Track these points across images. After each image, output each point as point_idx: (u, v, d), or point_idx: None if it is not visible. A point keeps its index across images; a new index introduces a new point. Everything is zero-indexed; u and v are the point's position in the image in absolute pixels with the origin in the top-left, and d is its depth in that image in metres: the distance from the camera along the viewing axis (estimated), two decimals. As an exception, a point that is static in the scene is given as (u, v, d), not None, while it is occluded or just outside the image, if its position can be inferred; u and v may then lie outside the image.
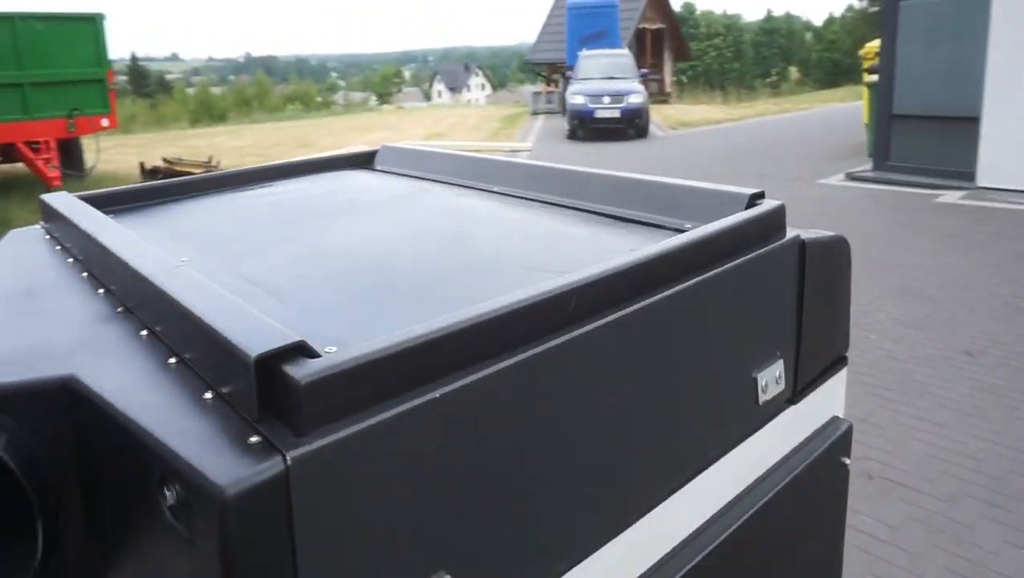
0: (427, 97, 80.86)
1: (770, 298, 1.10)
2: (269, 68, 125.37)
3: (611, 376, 0.82)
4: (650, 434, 0.89)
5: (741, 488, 1.09)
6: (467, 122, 19.43)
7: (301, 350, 0.58)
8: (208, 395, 0.62)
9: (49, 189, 8.46)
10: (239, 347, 0.57)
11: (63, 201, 1.17)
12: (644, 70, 16.99)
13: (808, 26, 65.52)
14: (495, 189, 1.37)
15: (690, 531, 0.99)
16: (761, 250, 1.05)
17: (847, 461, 1.31)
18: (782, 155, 11.51)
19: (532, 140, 14.84)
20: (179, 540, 0.56)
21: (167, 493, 0.56)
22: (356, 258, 1.04)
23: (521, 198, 1.31)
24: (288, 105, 38.69)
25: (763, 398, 1.09)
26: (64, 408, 0.65)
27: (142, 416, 0.59)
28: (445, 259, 1.03)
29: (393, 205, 1.33)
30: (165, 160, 10.01)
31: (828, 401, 1.29)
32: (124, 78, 55.70)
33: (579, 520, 0.80)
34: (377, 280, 0.94)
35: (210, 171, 2.01)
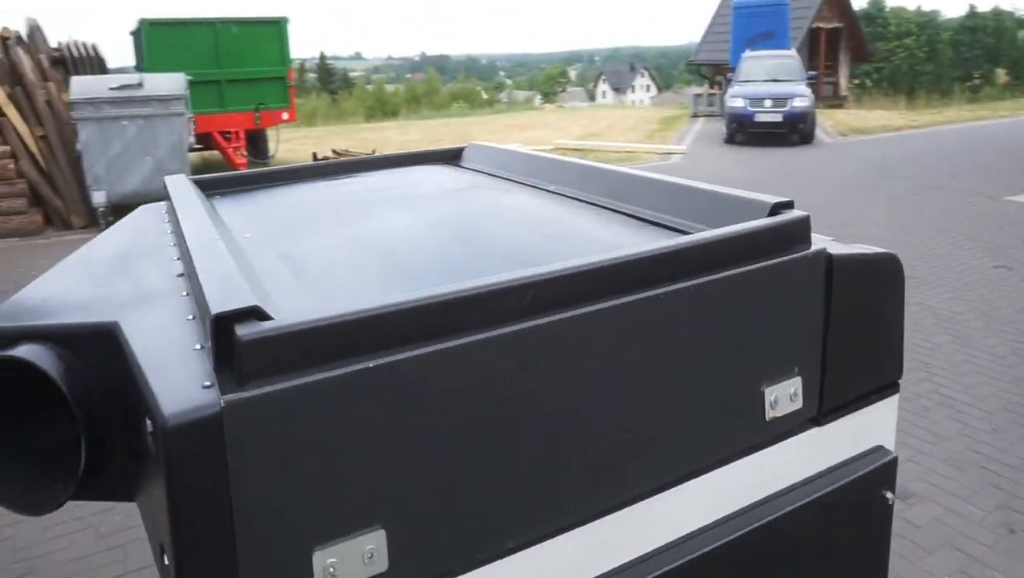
0: (591, 97, 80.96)
1: (787, 311, 1.07)
2: (441, 67, 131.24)
3: (576, 366, 0.86)
4: (621, 426, 0.91)
5: (743, 504, 1.07)
6: (625, 123, 19.31)
7: (255, 313, 0.71)
8: (197, 346, 0.77)
9: (235, 174, 9.53)
10: (208, 308, 0.71)
11: (177, 182, 1.40)
12: (813, 72, 16.05)
13: (1021, 23, 58.51)
14: (548, 188, 1.46)
15: (669, 539, 0.99)
16: (776, 260, 1.02)
17: (890, 496, 1.22)
18: (965, 167, 10.46)
19: (688, 143, 14.52)
20: (154, 461, 0.71)
21: (148, 423, 0.71)
22: (381, 243, 1.17)
23: (564, 196, 1.39)
24: (454, 103, 40.38)
25: (771, 414, 1.06)
26: (109, 349, 0.83)
27: (145, 361, 0.75)
28: (456, 248, 1.13)
29: (446, 198, 1.45)
30: (334, 151, 10.91)
31: (869, 428, 1.23)
32: (313, 75, 60.58)
33: (530, 501, 0.85)
34: (387, 263, 1.07)
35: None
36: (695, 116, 19.60)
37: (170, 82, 7.97)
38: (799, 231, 1.07)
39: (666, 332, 0.93)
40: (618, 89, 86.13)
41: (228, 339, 0.70)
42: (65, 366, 0.81)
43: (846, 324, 1.12)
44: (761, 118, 13.29)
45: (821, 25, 23.64)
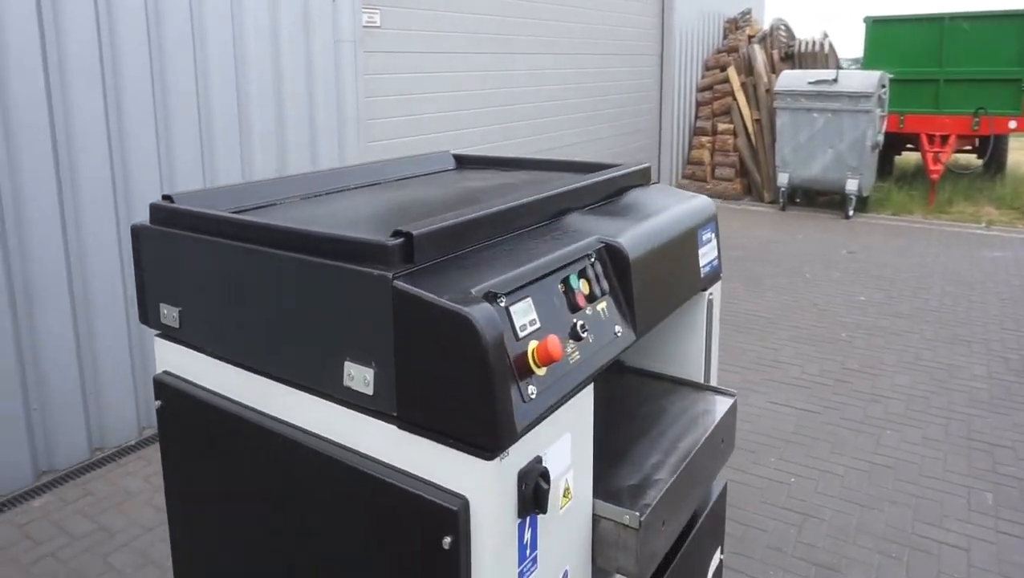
0: None
1: (366, 318, 1.21)
2: None
3: None
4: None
5: (316, 429, 1.36)
6: None
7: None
8: None
9: (930, 180, 9.16)
10: None
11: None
12: None
13: None
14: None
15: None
16: (357, 268, 1.23)
17: (447, 541, 1.15)
18: None
19: None
20: None
21: None
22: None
23: None
24: None
25: (349, 385, 1.27)
26: None
27: None
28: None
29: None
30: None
31: (451, 471, 1.18)
32: None
33: None
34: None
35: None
36: None
37: (863, 80, 8.22)
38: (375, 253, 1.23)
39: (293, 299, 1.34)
40: None
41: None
42: None
43: (413, 357, 1.17)
44: None
45: None
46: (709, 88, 10.29)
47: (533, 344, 1.20)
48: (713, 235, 1.91)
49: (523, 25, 6.68)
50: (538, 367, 1.20)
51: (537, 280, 1.29)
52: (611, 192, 1.84)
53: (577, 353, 1.31)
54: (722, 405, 1.85)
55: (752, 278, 6.41)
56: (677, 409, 1.85)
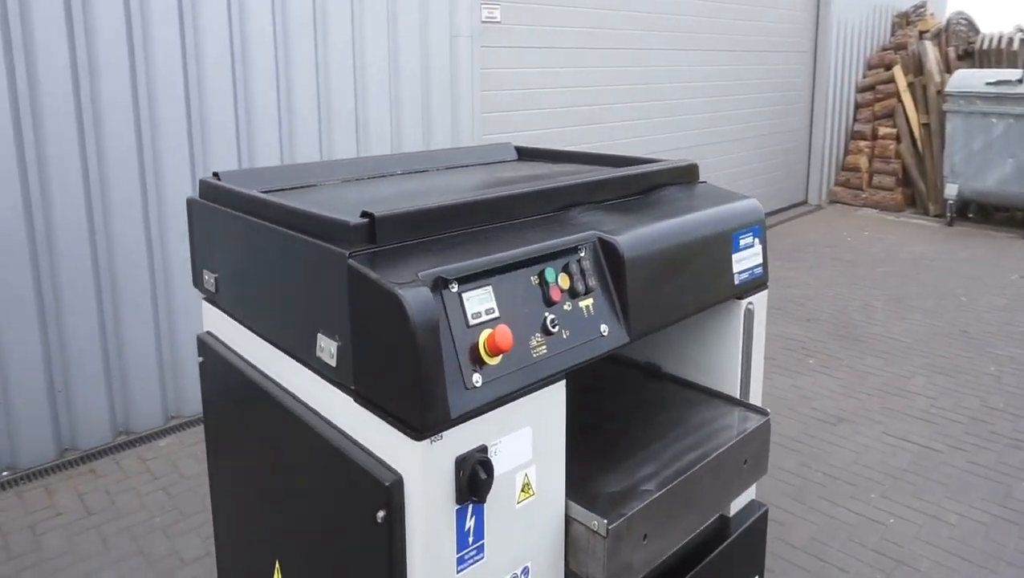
0: None
1: (331, 294, 1.24)
2: None
3: None
4: None
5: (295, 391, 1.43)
6: None
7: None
8: None
9: None
10: None
11: None
12: None
13: None
14: None
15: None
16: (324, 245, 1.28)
17: (381, 516, 1.17)
18: None
19: None
20: None
21: None
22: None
23: None
24: None
25: (318, 353, 1.31)
26: None
27: None
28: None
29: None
30: None
31: (392, 449, 1.19)
32: None
33: None
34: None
35: None
36: None
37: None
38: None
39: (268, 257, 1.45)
40: None
41: None
42: None
43: (362, 333, 1.19)
44: None
45: None
46: (871, 88, 9.44)
47: (486, 333, 1.18)
48: (756, 240, 1.72)
49: (657, 20, 6.46)
50: (490, 356, 1.18)
51: (505, 270, 1.26)
52: (640, 188, 1.72)
53: (544, 348, 1.27)
54: (750, 424, 1.67)
55: (895, 297, 5.81)
56: (698, 421, 1.70)
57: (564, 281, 1.33)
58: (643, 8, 6.29)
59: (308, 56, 3.96)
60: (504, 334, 1.16)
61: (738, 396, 1.79)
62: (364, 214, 1.25)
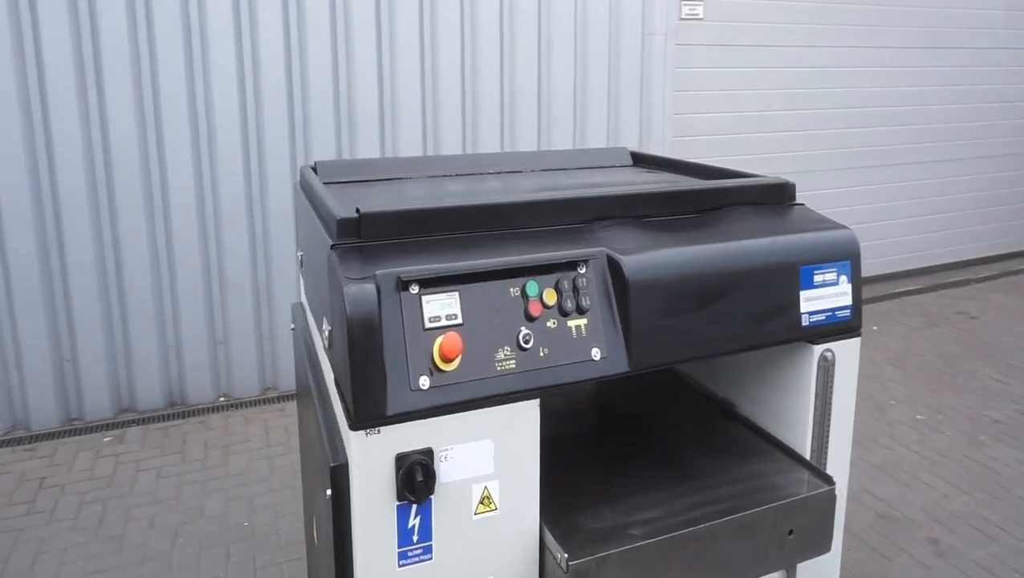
0: None
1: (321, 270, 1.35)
2: None
3: None
4: None
5: None
6: None
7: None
8: None
9: None
10: None
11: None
12: None
13: None
14: None
15: None
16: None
17: (328, 493, 1.21)
18: None
19: None
20: None
21: None
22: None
23: None
24: None
25: (324, 335, 1.35)
26: None
27: None
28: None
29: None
30: None
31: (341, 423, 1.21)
32: None
33: None
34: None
35: None
36: None
37: None
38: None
39: None
40: None
41: None
42: None
43: (335, 320, 1.21)
44: None
45: None
46: None
47: (441, 338, 1.18)
48: (843, 277, 1.48)
49: (888, 14, 5.68)
50: (444, 362, 1.18)
51: (479, 279, 1.23)
52: (701, 205, 1.55)
53: (513, 362, 1.22)
54: (804, 489, 1.45)
55: None
56: (743, 473, 1.50)
57: (550, 297, 1.25)
58: (868, 1, 5.58)
59: (494, 56, 4.12)
60: (450, 342, 1.14)
61: (808, 455, 1.55)
62: (358, 210, 1.28)
